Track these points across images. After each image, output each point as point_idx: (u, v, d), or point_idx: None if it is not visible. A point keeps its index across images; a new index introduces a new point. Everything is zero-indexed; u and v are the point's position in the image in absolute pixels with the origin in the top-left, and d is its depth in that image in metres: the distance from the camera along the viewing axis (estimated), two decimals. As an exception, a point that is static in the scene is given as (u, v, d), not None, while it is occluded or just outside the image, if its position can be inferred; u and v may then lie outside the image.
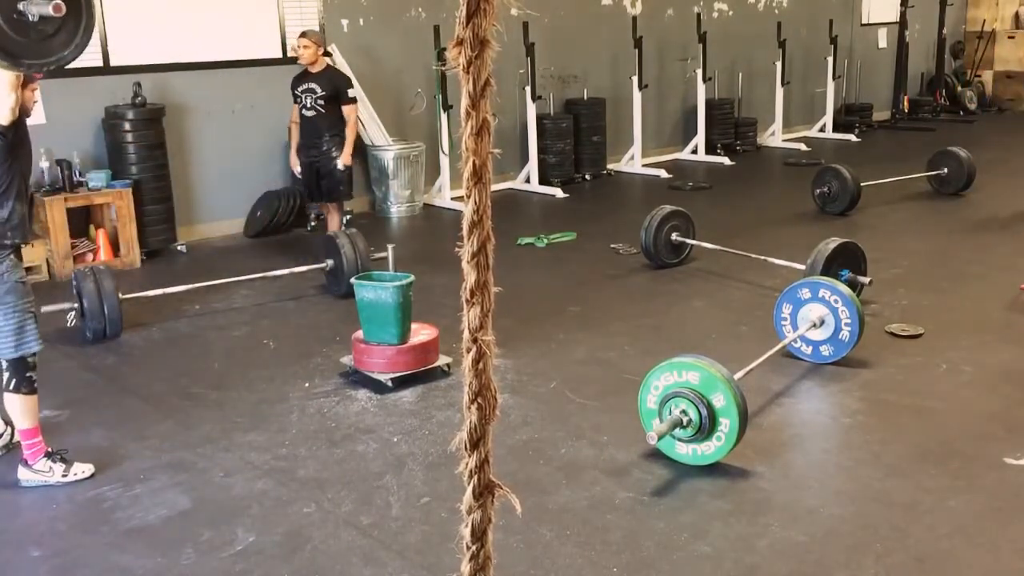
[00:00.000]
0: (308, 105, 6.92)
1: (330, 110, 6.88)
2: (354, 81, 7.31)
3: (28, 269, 6.98)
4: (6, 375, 3.89)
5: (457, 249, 1.07)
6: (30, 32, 3.22)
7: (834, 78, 12.84)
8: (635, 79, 10.57)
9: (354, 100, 6.99)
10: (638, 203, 9.28)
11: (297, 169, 7.13)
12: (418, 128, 9.35)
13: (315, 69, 6.93)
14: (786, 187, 10.01)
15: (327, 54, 7.07)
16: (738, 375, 4.06)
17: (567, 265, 7.12)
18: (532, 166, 9.88)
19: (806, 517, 3.51)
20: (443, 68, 8.69)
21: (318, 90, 6.88)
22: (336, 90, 6.88)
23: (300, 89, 6.96)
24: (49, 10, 3.12)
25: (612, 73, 11.00)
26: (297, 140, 7.11)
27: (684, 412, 3.79)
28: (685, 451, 3.87)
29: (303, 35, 6.96)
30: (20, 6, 3.16)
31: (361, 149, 7.34)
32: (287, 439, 4.27)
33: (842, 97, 13.72)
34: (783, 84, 12.18)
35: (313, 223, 8.32)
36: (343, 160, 6.91)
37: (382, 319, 4.76)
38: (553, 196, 9.62)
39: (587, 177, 10.44)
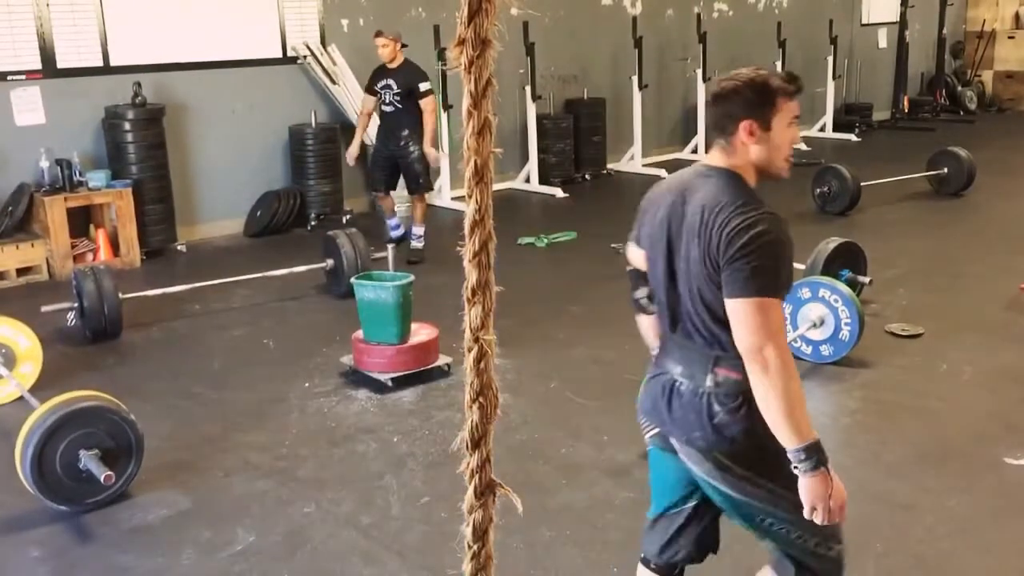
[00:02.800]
0: (387, 101, 7.09)
1: (407, 105, 7.02)
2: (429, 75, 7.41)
3: (28, 269, 7.03)
4: None
5: (458, 248, 1.07)
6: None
7: (834, 78, 12.84)
8: (635, 79, 10.57)
9: (429, 92, 7.08)
10: (638, 203, 9.25)
11: (351, 159, 7.48)
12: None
13: (393, 65, 7.07)
14: (786, 187, 9.98)
15: (404, 46, 7.18)
16: (738, 375, 4.06)
17: (567, 265, 7.12)
18: (532, 166, 9.88)
19: (806, 517, 3.51)
20: (444, 68, 8.70)
21: (395, 86, 7.03)
22: (410, 85, 7.00)
23: (379, 85, 7.13)
24: (101, 479, 3.58)
25: (612, 73, 11.01)
26: (363, 130, 7.39)
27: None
28: (685, 451, 3.87)
29: (379, 34, 7.09)
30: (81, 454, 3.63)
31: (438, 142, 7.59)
32: (287, 439, 4.27)
33: (842, 97, 13.72)
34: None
35: (313, 223, 8.32)
36: (431, 154, 7.09)
37: (382, 319, 4.76)
38: (553, 196, 9.62)
39: (587, 177, 10.44)
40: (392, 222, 7.62)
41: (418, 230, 7.31)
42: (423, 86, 7.06)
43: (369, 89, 7.22)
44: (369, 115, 7.33)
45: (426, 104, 7.05)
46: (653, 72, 11.11)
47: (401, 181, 7.35)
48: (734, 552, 3.31)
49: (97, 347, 5.52)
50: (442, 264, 6.81)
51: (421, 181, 7.23)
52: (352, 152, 7.44)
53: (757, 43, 12.29)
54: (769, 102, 2.22)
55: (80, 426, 3.63)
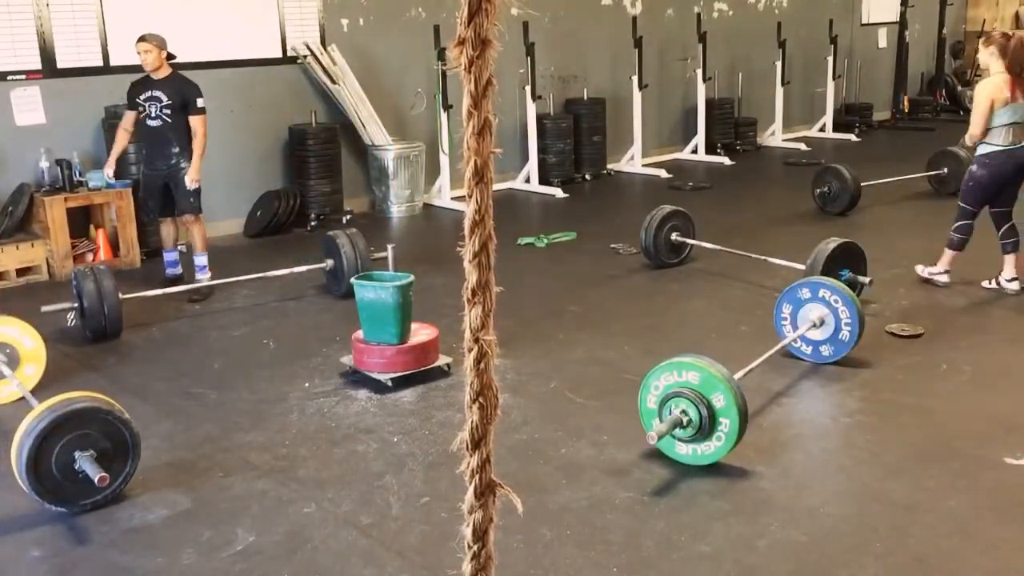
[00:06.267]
0: (153, 115, 6.39)
1: (178, 120, 6.39)
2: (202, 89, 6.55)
3: (28, 269, 7.02)
4: None
5: (458, 249, 1.07)
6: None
7: (834, 78, 12.85)
8: (635, 79, 10.58)
9: (203, 111, 6.43)
10: (638, 203, 9.28)
11: (108, 173, 6.70)
12: (418, 128, 9.35)
13: (159, 76, 6.38)
14: (786, 187, 10.00)
15: (171, 57, 6.45)
16: (738, 375, 4.06)
17: (567, 265, 7.12)
18: (532, 166, 9.88)
19: (806, 517, 3.51)
20: (444, 68, 8.70)
21: (164, 98, 6.35)
22: (184, 99, 6.36)
23: (143, 97, 6.40)
24: (95, 480, 3.57)
25: (612, 73, 11.01)
26: (121, 147, 6.67)
27: (684, 412, 3.79)
28: (685, 451, 3.87)
29: (142, 39, 6.35)
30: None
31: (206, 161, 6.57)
32: (287, 439, 4.27)
33: (842, 97, 13.72)
34: (783, 84, 12.19)
35: (313, 223, 8.32)
36: (190, 177, 6.40)
37: (382, 319, 4.76)
38: (553, 196, 9.62)
39: (587, 177, 10.44)
40: (170, 256, 6.79)
41: (201, 259, 6.62)
42: (200, 102, 6.39)
43: (130, 104, 6.49)
44: (129, 131, 6.57)
45: (199, 123, 6.38)
46: (653, 72, 11.11)
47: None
48: (734, 552, 3.31)
49: (97, 347, 5.52)
50: (442, 264, 6.81)
51: (193, 200, 6.50)
52: (109, 170, 6.67)
53: (757, 43, 12.30)
54: None
55: (75, 427, 3.62)
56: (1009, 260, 6.09)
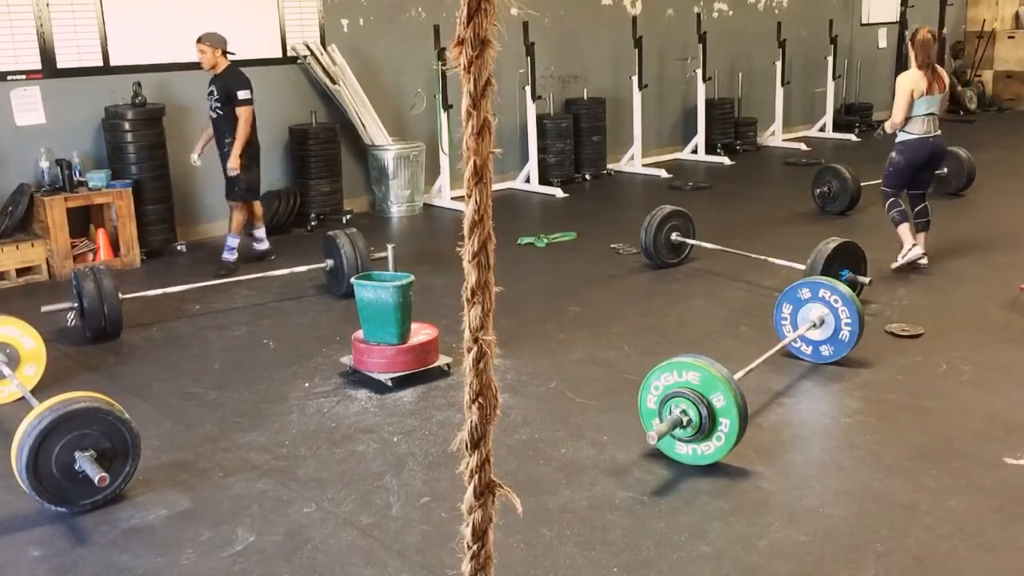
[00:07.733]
0: (211, 107, 6.97)
1: (228, 113, 6.86)
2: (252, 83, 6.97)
3: (28, 269, 7.03)
4: None
5: (458, 249, 1.07)
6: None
7: (834, 78, 12.85)
8: (635, 79, 10.58)
9: (246, 103, 6.85)
10: (638, 203, 9.28)
11: (194, 157, 7.19)
12: (418, 128, 9.36)
13: (216, 72, 6.91)
14: (786, 187, 10.00)
15: (227, 53, 6.93)
16: (738, 375, 4.06)
17: (567, 265, 7.12)
18: (532, 166, 9.88)
19: (806, 517, 3.51)
20: (444, 68, 8.70)
21: (215, 93, 6.88)
22: (229, 92, 6.82)
23: (207, 92, 7.00)
24: (95, 480, 3.57)
25: (612, 73, 11.01)
26: (208, 136, 7.14)
27: (684, 412, 3.79)
28: (685, 451, 3.87)
29: (199, 40, 6.90)
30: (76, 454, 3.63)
31: (251, 153, 6.95)
32: (287, 439, 4.27)
33: (842, 97, 13.72)
34: (783, 84, 12.19)
35: (313, 223, 8.32)
36: (229, 165, 6.89)
37: (382, 319, 4.76)
38: (553, 196, 9.62)
39: (587, 177, 10.45)
40: (231, 241, 7.12)
41: (231, 241, 7.10)
42: (241, 94, 6.82)
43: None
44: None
45: (241, 113, 6.82)
46: (653, 72, 11.11)
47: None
48: (734, 552, 3.31)
49: (97, 347, 5.52)
50: (442, 264, 6.81)
51: (236, 188, 6.98)
52: (194, 155, 7.19)
53: (757, 43, 12.30)
54: None
55: (75, 427, 3.62)
56: (920, 237, 6.61)
